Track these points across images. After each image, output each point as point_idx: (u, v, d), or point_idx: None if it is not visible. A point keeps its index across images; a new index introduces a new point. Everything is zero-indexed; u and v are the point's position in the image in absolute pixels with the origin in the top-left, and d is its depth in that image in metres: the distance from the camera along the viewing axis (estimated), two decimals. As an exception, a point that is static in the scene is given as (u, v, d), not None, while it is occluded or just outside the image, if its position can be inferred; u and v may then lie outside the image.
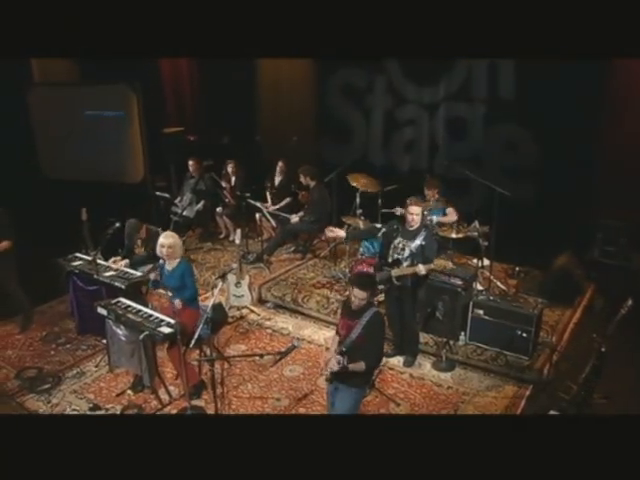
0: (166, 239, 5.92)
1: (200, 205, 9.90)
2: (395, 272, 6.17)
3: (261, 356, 6.33)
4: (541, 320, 6.75)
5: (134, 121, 10.53)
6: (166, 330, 5.51)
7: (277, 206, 9.60)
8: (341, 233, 7.36)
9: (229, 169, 10.07)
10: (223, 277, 6.13)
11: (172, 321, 5.58)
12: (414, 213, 6.19)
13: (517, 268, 8.62)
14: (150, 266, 6.81)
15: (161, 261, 6.07)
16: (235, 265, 7.96)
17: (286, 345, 6.54)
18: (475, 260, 7.80)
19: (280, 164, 9.79)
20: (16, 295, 7.33)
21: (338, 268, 8.71)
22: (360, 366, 4.56)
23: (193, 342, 5.40)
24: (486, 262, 7.95)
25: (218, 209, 10.02)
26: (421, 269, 5.95)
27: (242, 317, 7.86)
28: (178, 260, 6.00)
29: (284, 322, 7.77)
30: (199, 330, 5.40)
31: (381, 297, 6.91)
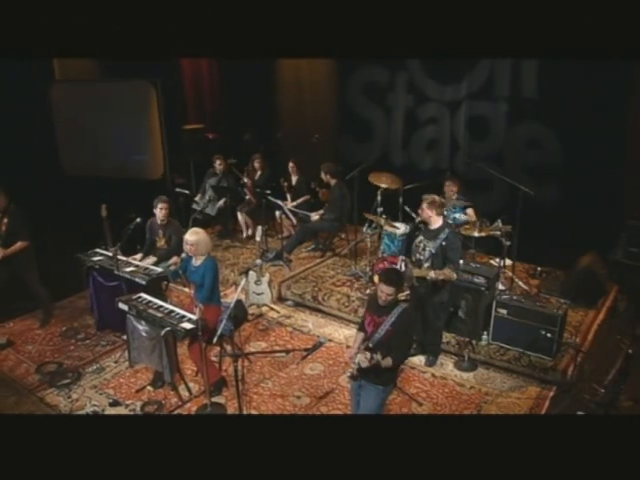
0: (190, 236, 5.82)
1: (221, 202, 9.87)
2: (416, 272, 6.09)
3: (287, 352, 6.29)
4: (565, 320, 6.66)
5: (154, 118, 10.54)
6: (188, 326, 5.49)
7: (295, 203, 9.60)
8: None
9: (255, 164, 10.09)
10: (246, 273, 6.09)
11: (194, 317, 5.56)
12: (424, 211, 6.13)
13: (539, 268, 8.54)
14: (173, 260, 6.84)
15: (184, 255, 6.04)
16: (259, 261, 7.93)
17: (310, 342, 6.55)
18: (498, 259, 7.72)
19: (290, 164, 9.79)
20: (37, 291, 7.39)
21: (358, 266, 8.65)
22: (387, 362, 4.53)
23: (215, 339, 5.36)
24: (507, 262, 7.86)
25: (239, 207, 10.01)
26: (432, 275, 5.86)
27: (262, 315, 7.83)
28: (204, 258, 5.91)
29: (304, 320, 7.72)
30: (221, 326, 5.36)
31: (401, 296, 6.86)
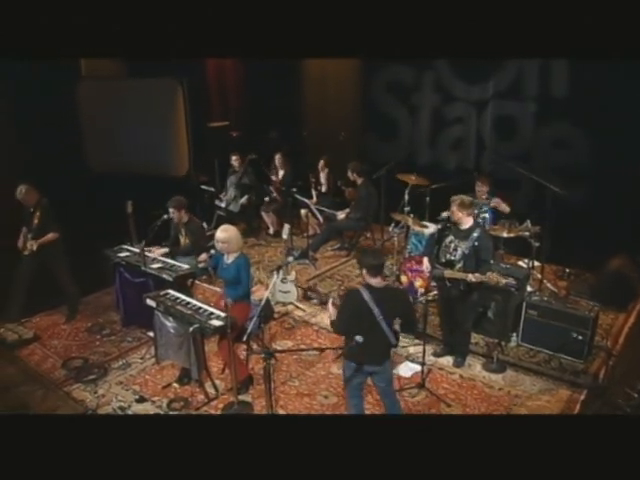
0: (221, 233, 5.79)
1: (244, 199, 9.86)
2: (447, 273, 6.00)
3: (322, 350, 6.25)
4: (597, 323, 6.56)
5: (180, 115, 10.54)
6: (216, 323, 5.46)
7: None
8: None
9: (277, 162, 10.07)
10: (277, 270, 6.06)
11: (222, 314, 5.53)
12: (454, 213, 6.06)
13: (567, 270, 8.42)
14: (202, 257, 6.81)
15: (212, 251, 6.01)
16: (290, 258, 7.90)
17: (336, 342, 6.49)
18: (526, 260, 7.63)
19: (321, 163, 9.83)
20: (67, 288, 7.47)
21: (385, 266, 8.57)
22: None
23: (246, 336, 5.33)
24: (535, 264, 7.76)
25: (263, 206, 10.00)
26: (471, 278, 5.77)
27: (287, 313, 7.77)
28: (236, 254, 5.88)
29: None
30: (252, 324, 5.32)
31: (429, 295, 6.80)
